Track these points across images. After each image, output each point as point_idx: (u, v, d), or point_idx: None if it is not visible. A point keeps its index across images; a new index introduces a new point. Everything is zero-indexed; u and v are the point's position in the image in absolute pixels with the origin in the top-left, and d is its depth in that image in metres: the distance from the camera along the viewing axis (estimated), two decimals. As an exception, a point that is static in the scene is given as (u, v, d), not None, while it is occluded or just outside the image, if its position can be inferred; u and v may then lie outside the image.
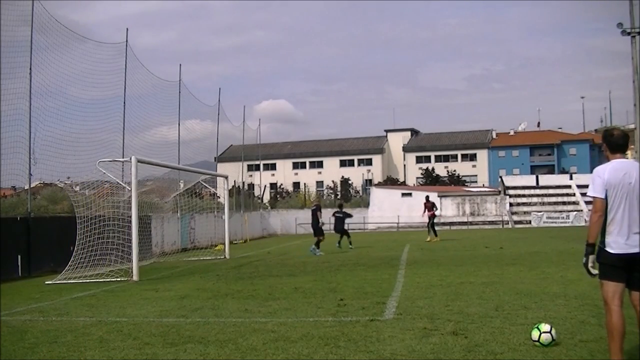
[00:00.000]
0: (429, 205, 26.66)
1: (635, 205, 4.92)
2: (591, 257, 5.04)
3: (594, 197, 5.02)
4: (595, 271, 5.06)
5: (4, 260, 15.27)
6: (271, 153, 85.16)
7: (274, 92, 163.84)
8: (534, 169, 79.68)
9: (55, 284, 13.86)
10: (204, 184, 26.10)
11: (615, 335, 4.90)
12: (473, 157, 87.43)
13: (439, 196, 50.16)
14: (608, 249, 4.96)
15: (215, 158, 36.77)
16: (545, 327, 6.03)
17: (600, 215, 4.98)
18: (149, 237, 21.32)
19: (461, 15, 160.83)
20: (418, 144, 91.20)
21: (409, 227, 45.50)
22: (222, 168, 35.78)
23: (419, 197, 47.94)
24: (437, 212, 27.56)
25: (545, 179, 53.87)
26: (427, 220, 26.73)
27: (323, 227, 21.30)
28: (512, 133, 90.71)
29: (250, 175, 51.21)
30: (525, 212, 47.29)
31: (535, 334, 6.02)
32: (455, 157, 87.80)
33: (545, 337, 5.97)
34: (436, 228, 27.00)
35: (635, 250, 4.87)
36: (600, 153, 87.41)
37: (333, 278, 12.75)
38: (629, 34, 25.72)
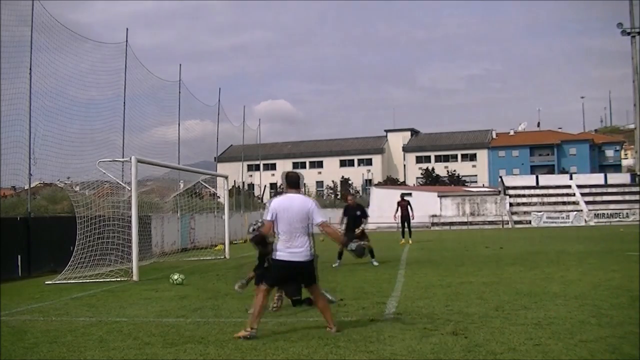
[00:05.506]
0: (404, 205, 24.47)
1: (294, 223, 6.94)
2: None
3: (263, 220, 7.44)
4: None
5: (4, 260, 15.24)
6: (271, 153, 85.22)
7: (273, 92, 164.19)
8: (534, 169, 79.78)
9: (55, 284, 13.84)
10: (204, 184, 26.08)
11: None
12: (473, 157, 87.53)
13: (439, 196, 50.23)
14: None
15: (215, 158, 36.74)
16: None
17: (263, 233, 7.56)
18: (149, 237, 21.28)
19: (460, 15, 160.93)
20: (418, 144, 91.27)
21: (409, 227, 45.39)
22: (222, 168, 35.77)
23: (419, 197, 48.01)
24: (414, 214, 24.75)
25: (545, 179, 53.87)
26: (399, 221, 24.33)
27: None
28: (512, 133, 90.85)
29: (250, 175, 51.19)
30: (525, 212, 47.29)
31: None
32: (455, 157, 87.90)
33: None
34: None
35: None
36: (600, 153, 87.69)
37: (333, 278, 12.73)
38: (629, 34, 25.79)
